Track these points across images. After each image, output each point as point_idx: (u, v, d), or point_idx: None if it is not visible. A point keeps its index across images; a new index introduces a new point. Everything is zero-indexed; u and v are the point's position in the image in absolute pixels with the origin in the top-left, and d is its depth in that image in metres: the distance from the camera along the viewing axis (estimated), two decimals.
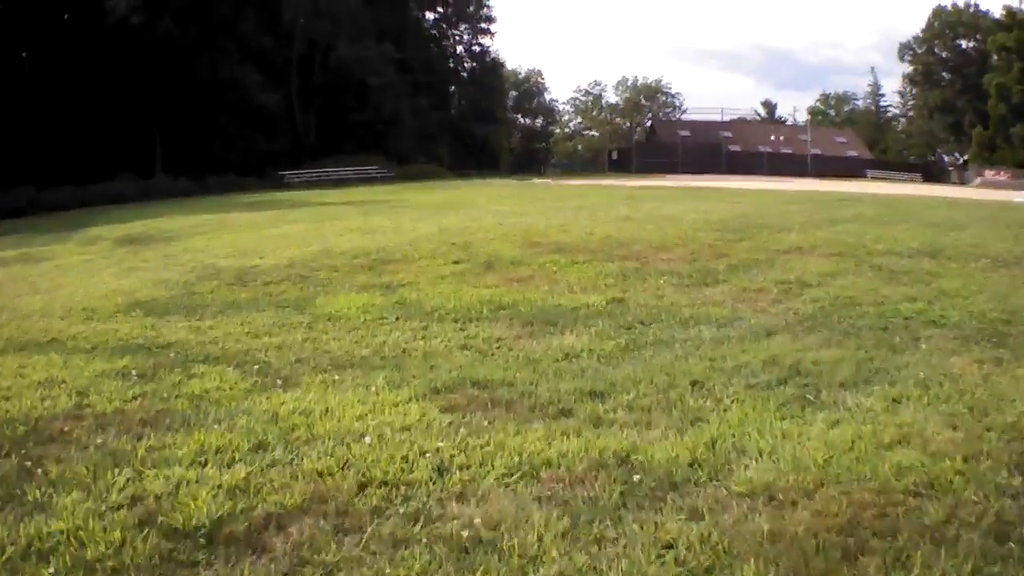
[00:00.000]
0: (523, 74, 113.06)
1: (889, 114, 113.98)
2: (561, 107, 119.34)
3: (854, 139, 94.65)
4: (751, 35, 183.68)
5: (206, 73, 52.92)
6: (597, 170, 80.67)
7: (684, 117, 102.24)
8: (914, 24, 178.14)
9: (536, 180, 36.68)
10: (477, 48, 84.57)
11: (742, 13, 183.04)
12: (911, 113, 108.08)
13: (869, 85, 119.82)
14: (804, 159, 78.70)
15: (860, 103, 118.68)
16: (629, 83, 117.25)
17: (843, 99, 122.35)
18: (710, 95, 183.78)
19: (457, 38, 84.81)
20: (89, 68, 49.45)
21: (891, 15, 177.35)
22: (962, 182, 74.62)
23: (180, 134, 52.88)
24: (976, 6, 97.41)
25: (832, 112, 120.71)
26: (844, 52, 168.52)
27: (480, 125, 78.41)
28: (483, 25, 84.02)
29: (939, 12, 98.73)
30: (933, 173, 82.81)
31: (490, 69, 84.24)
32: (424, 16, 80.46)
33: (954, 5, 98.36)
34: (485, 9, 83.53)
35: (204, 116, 53.23)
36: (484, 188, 27.92)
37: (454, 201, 23.21)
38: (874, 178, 71.52)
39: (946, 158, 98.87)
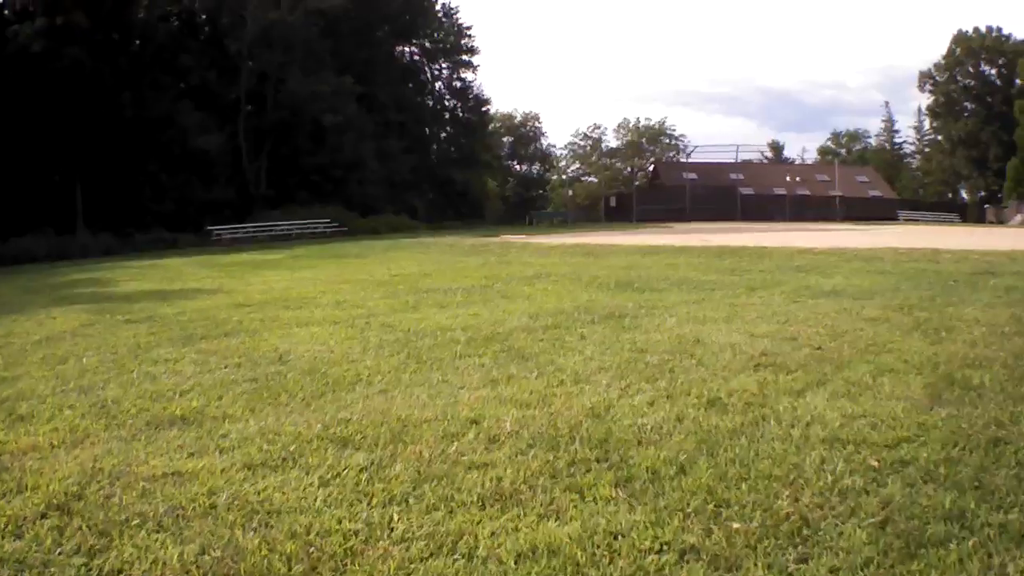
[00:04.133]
0: (519, 118, 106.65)
1: (904, 151, 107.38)
2: (559, 152, 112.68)
3: (875, 178, 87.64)
4: (752, 77, 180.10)
5: (130, 111, 45.27)
6: (593, 220, 72.20)
7: (691, 159, 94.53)
8: (916, 61, 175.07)
9: (505, 238, 28.85)
10: (458, 84, 76.23)
11: (743, 56, 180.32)
12: (927, 149, 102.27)
13: (883, 120, 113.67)
14: (827, 201, 71.09)
15: (872, 140, 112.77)
16: (631, 125, 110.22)
17: (854, 137, 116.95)
18: (713, 138, 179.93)
19: (436, 73, 76.43)
20: None
21: (892, 53, 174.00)
22: (999, 221, 69.89)
23: (103, 182, 45.17)
24: (999, 30, 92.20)
25: (843, 151, 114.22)
26: (845, 92, 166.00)
27: (460, 170, 70.07)
28: (464, 58, 75.73)
29: (961, 38, 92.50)
30: (970, 212, 76.37)
31: (473, 107, 75.81)
32: (397, 49, 72.01)
33: (976, 30, 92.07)
34: (467, 39, 75.36)
35: (130, 161, 45.79)
36: (409, 255, 20.34)
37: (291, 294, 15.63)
38: (908, 220, 64.78)
39: (965, 195, 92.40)
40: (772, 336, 7.46)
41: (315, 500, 4.01)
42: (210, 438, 5.01)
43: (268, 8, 52.17)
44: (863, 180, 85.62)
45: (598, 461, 4.31)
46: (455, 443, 4.68)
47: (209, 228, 42.97)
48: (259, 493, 4.12)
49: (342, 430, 4.99)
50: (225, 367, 7.09)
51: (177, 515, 3.91)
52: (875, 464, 4.20)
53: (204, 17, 54.34)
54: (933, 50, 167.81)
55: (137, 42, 48.60)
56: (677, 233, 34.14)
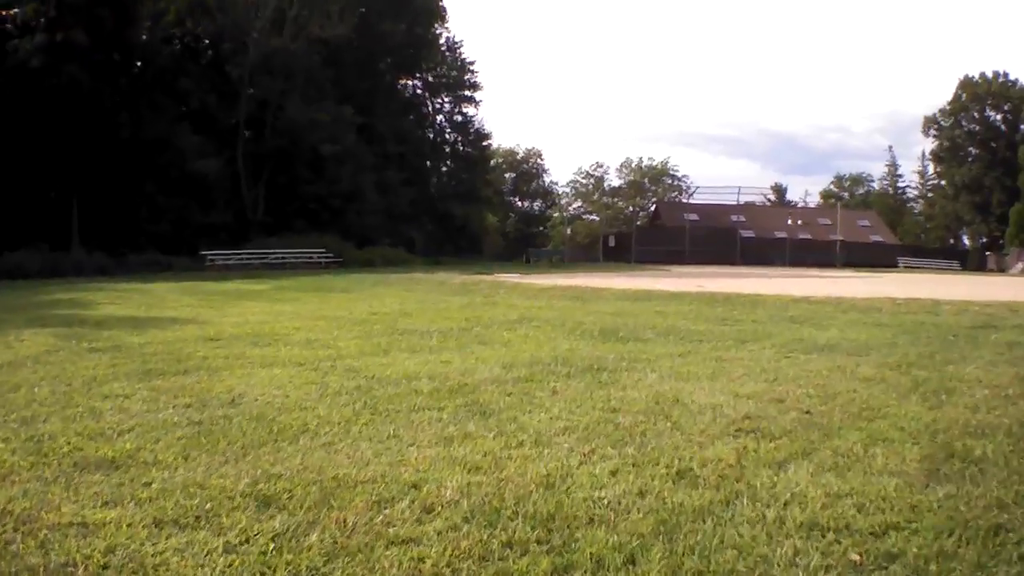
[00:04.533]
0: (521, 154, 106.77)
1: (907, 195, 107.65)
2: (561, 190, 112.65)
3: (877, 222, 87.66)
4: (757, 120, 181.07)
5: (128, 131, 44.87)
6: (591, 259, 71.64)
7: (692, 200, 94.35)
8: (919, 107, 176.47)
9: (498, 276, 28.33)
10: (460, 118, 76.08)
11: (748, 98, 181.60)
12: (930, 194, 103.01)
13: (887, 165, 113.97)
14: (827, 246, 70.71)
15: (875, 184, 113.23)
16: (633, 164, 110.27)
17: (857, 180, 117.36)
18: (717, 179, 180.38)
19: (437, 106, 76.26)
20: None
21: (897, 98, 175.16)
22: (1000, 268, 70.18)
23: (100, 201, 44.76)
24: (1006, 75, 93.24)
25: (846, 195, 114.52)
26: (849, 136, 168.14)
27: (460, 204, 69.62)
28: (467, 92, 75.60)
29: (967, 83, 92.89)
30: (971, 259, 76.13)
31: (474, 141, 75.62)
32: (399, 81, 71.83)
33: (982, 75, 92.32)
34: (470, 75, 75.31)
35: (127, 181, 45.37)
36: (394, 292, 19.71)
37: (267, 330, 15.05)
38: (908, 267, 64.49)
39: (967, 240, 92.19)
40: (758, 397, 6.94)
41: (214, 569, 3.55)
42: (131, 486, 4.57)
43: (270, 35, 52.11)
44: (865, 224, 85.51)
45: (538, 543, 3.78)
46: (386, 510, 4.18)
47: (203, 252, 42.40)
48: (157, 555, 3.68)
49: (270, 487, 4.52)
50: (173, 407, 6.63)
51: (68, 572, 3.51)
52: (856, 559, 3.68)
53: (207, 42, 54.07)
54: (939, 95, 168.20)
55: (138, 63, 48.24)
56: (673, 277, 33.63)
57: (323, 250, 44.86)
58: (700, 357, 9.23)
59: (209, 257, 41.28)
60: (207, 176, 47.90)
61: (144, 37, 49.60)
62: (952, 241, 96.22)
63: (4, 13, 43.54)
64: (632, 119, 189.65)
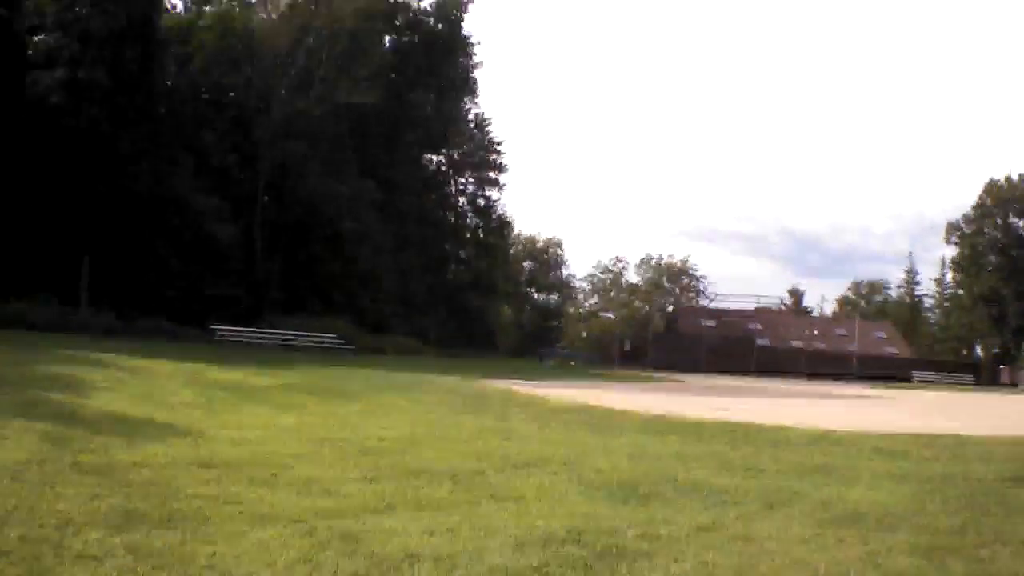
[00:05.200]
0: (541, 243, 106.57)
1: (925, 304, 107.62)
2: (578, 283, 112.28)
3: (893, 334, 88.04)
4: (778, 217, 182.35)
5: (146, 185, 44.38)
6: (604, 362, 70.75)
7: (709, 305, 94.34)
8: (944, 209, 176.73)
9: (510, 384, 27.68)
10: (482, 201, 75.41)
11: (769, 195, 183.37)
12: (947, 303, 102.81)
13: (905, 271, 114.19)
14: (843, 358, 70.26)
15: (893, 291, 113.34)
16: (652, 262, 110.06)
17: (875, 288, 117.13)
18: (735, 278, 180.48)
19: (461, 187, 75.59)
20: (3, 158, 41.24)
21: (919, 201, 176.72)
22: (1013, 382, 70.83)
23: (112, 258, 44.20)
24: None
25: (863, 303, 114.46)
26: (870, 238, 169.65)
27: (477, 296, 68.89)
28: (491, 174, 74.93)
29: (992, 187, 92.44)
30: (984, 373, 75.67)
31: (495, 229, 74.99)
32: (424, 156, 71.23)
33: (1007, 178, 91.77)
34: (496, 155, 74.66)
35: (141, 240, 44.84)
36: (405, 404, 18.84)
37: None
38: (922, 380, 64.38)
39: (980, 352, 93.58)
40: None
41: None
42: None
43: (296, 96, 51.94)
44: (880, 336, 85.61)
45: None
46: None
47: (212, 326, 41.68)
48: None
49: None
50: None
51: None
52: None
53: (232, 95, 53.46)
54: (962, 197, 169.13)
55: (161, 110, 47.71)
56: (691, 394, 32.89)
57: (334, 336, 44.18)
58: (726, 535, 8.53)
59: (219, 332, 40.53)
60: (222, 242, 47.27)
61: (168, 83, 49.49)
62: (966, 352, 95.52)
63: None
64: (654, 211, 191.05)
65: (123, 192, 43.51)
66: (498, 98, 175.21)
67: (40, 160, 41.66)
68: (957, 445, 15.58)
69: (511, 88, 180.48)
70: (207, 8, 55.27)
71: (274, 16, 53.23)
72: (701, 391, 35.13)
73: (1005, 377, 73.30)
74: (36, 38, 43.04)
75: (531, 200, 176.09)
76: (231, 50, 51.60)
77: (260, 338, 41.22)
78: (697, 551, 7.93)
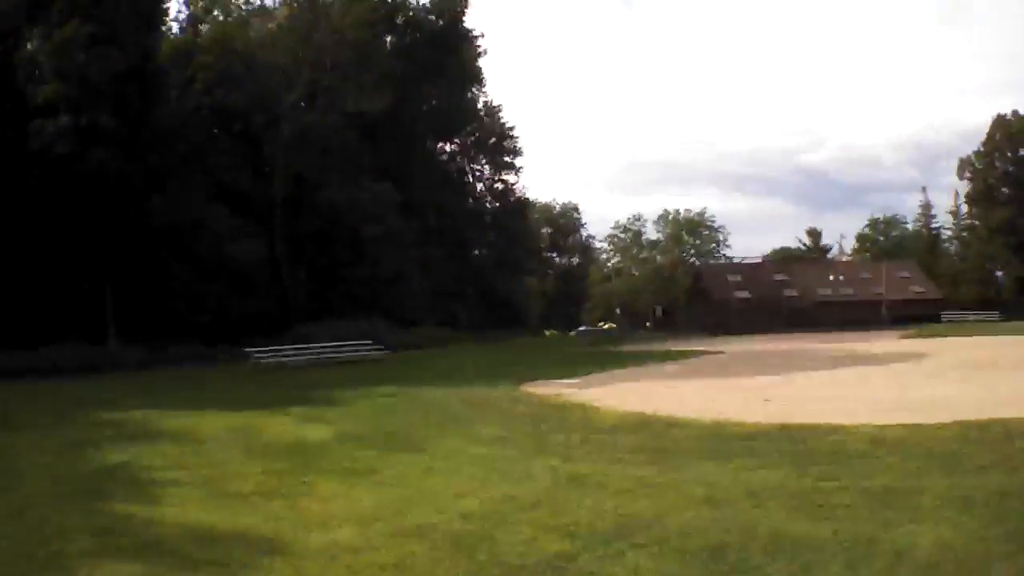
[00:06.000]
0: (558, 209, 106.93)
1: (942, 236, 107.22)
2: (598, 244, 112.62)
3: (916, 273, 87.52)
4: (789, 156, 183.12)
5: (161, 215, 44.47)
6: (636, 327, 70.96)
7: (732, 259, 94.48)
8: (947, 135, 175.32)
9: (550, 387, 27.84)
10: (500, 186, 75.99)
11: (780, 134, 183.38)
12: (965, 234, 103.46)
13: (920, 205, 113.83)
14: (873, 305, 70.39)
15: (909, 225, 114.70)
16: (670, 217, 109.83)
17: (891, 223, 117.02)
18: (752, 220, 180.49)
19: (477, 174, 76.10)
20: (13, 207, 41.38)
21: (925, 128, 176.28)
22: None
23: (135, 290, 44.45)
24: None
25: (881, 238, 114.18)
26: (881, 170, 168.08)
27: (503, 278, 69.34)
28: (507, 159, 75.47)
29: (1000, 122, 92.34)
30: (1011, 307, 75.84)
31: (515, 211, 75.48)
32: (437, 146, 71.62)
33: (1015, 112, 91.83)
34: (509, 140, 75.03)
35: (162, 268, 45.04)
36: (470, 450, 18.44)
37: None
38: (951, 321, 64.34)
39: (1001, 276, 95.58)
40: None
41: None
42: None
43: (304, 109, 51.94)
44: (904, 275, 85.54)
45: None
46: None
47: (247, 349, 41.44)
48: None
49: None
50: None
51: None
52: None
53: (238, 113, 53.46)
54: (969, 121, 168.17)
55: (167, 139, 47.47)
56: (732, 372, 32.92)
57: (370, 343, 44.17)
58: None
59: (255, 356, 40.47)
60: (245, 260, 47.47)
61: (172, 107, 49.42)
62: (988, 281, 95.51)
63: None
64: (666, 163, 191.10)
65: (139, 226, 43.63)
66: (506, 78, 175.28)
67: (51, 207, 41.82)
68: (1005, 439, 15.50)
69: (516, 66, 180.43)
70: (203, 27, 55.18)
71: (273, 30, 53.01)
72: (742, 367, 35.19)
73: None
74: (36, 88, 42.66)
75: (546, 168, 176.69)
76: (232, 68, 51.42)
77: (296, 355, 41.11)
78: None
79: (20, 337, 38.94)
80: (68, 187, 41.73)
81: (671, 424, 19.84)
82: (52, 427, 22.80)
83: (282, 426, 22.64)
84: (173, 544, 12.01)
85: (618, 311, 78.88)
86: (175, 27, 56.65)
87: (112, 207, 42.83)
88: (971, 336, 47.98)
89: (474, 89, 73.90)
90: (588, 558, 10.82)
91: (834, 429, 17.75)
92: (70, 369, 37.24)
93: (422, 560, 10.99)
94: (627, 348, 51.08)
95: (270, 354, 40.49)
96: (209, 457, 18.63)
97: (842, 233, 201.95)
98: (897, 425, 17.56)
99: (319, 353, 41.79)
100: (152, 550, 11.71)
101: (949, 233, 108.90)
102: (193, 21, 56.82)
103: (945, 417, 17.84)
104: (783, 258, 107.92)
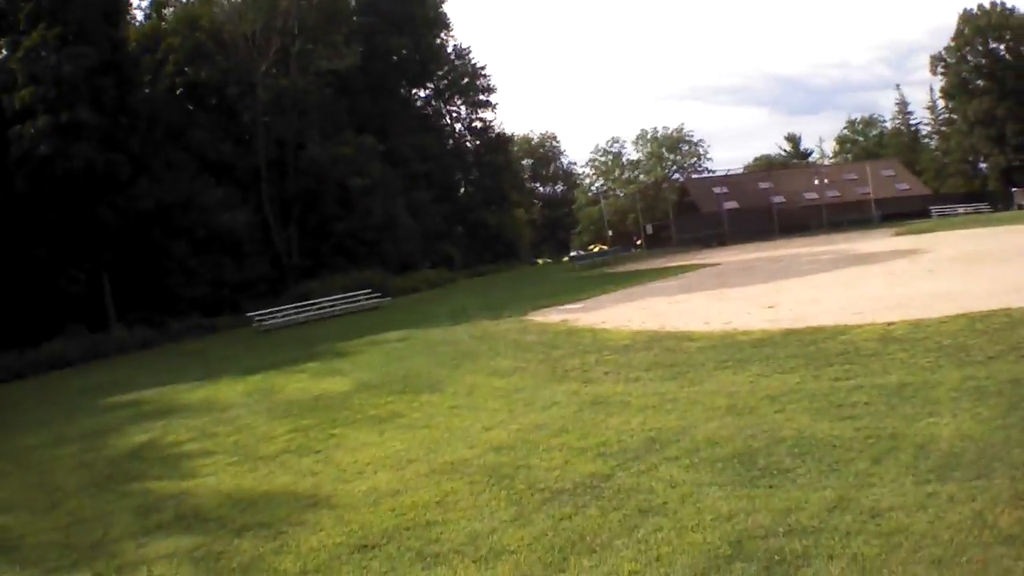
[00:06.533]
0: (536, 139, 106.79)
1: (922, 132, 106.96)
2: (580, 170, 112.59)
3: (900, 170, 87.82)
4: (759, 65, 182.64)
5: (149, 196, 44.58)
6: (629, 246, 71.09)
7: (716, 172, 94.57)
8: (915, 32, 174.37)
9: (561, 313, 27.86)
10: (479, 124, 76.25)
11: (747, 45, 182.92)
12: (944, 128, 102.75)
13: (896, 103, 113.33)
14: (861, 205, 70.53)
15: (887, 124, 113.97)
16: (648, 136, 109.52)
17: (870, 122, 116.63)
18: (728, 131, 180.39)
19: (454, 115, 76.39)
20: (2, 213, 41.50)
21: (893, 26, 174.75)
22: None
23: (131, 273, 44.52)
24: (1003, 4, 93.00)
25: (861, 139, 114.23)
26: (852, 71, 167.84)
27: (492, 211, 69.77)
28: (482, 97, 75.77)
29: (967, 17, 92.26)
30: (998, 197, 75.96)
31: (496, 147, 75.72)
32: (412, 93, 71.91)
33: (980, 7, 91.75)
34: (482, 79, 75.29)
35: (155, 248, 45.09)
36: (486, 383, 18.18)
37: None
38: (941, 215, 64.47)
39: (985, 168, 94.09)
40: None
41: None
42: None
43: (276, 76, 51.85)
44: (889, 174, 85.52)
45: None
46: None
47: (248, 314, 41.58)
48: None
49: None
50: None
51: None
52: None
53: (212, 87, 53.71)
54: (937, 18, 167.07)
55: (146, 122, 47.52)
56: (729, 283, 32.86)
57: (368, 291, 44.29)
58: (858, 515, 8.42)
59: (256, 319, 40.56)
60: (236, 228, 47.63)
61: (147, 91, 49.35)
62: (971, 175, 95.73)
63: None
64: (638, 82, 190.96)
65: (129, 212, 43.72)
66: (470, 16, 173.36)
67: (41, 207, 41.98)
68: (1012, 328, 15.30)
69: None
70: (167, 11, 55.03)
71: (238, 3, 52.66)
72: (741, 276, 35.19)
73: (1021, 199, 73.29)
74: (12, 95, 42.49)
75: (520, 101, 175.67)
76: (202, 45, 51.67)
77: (296, 313, 41.23)
78: (844, 543, 8.08)
79: (21, 337, 38.89)
80: (55, 185, 41.80)
81: (682, 338, 19.82)
82: (68, 417, 22.75)
83: (299, 383, 22.54)
84: (214, 513, 12.06)
85: (609, 233, 78.61)
86: (139, 15, 56.71)
87: (100, 198, 42.95)
88: (964, 229, 47.64)
89: (442, 35, 74.65)
90: (623, 475, 11.08)
91: (842, 330, 17.79)
92: (75, 360, 37.36)
93: (463, 495, 11.15)
94: (622, 269, 50.84)
95: (271, 316, 40.57)
96: (234, 423, 18.59)
97: (821, 136, 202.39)
98: (903, 322, 17.50)
99: (319, 308, 41.79)
100: (194, 521, 11.82)
101: (928, 128, 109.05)
102: (156, 6, 56.48)
103: (950, 310, 17.76)
104: (766, 165, 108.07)
